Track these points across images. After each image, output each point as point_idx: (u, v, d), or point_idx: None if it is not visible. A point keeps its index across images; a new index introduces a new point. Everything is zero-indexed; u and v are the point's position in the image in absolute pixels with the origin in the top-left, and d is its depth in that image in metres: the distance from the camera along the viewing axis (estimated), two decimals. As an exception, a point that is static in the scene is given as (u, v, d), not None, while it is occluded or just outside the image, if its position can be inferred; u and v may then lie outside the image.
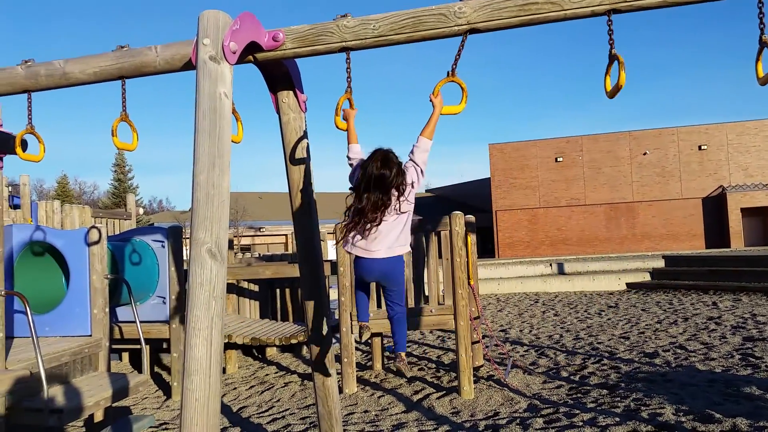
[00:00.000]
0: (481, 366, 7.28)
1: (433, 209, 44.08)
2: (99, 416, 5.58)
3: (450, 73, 2.89)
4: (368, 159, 3.11)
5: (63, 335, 5.61)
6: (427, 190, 62.41)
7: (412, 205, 3.24)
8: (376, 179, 3.05)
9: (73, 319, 5.50)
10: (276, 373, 7.82)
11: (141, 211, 17.30)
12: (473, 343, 6.49)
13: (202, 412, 2.40)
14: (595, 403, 5.53)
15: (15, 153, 4.43)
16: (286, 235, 40.56)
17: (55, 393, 4.73)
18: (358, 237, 3.19)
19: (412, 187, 3.18)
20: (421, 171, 3.17)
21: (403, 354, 3.68)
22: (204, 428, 2.39)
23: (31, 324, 4.43)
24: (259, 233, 41.68)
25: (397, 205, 3.13)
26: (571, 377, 6.61)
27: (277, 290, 9.47)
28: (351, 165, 3.27)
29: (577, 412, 5.29)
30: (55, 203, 9.78)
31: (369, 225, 3.12)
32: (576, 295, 15.89)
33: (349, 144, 3.25)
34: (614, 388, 6.00)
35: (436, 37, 2.86)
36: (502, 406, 5.68)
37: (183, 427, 2.39)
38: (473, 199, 42.47)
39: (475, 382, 6.26)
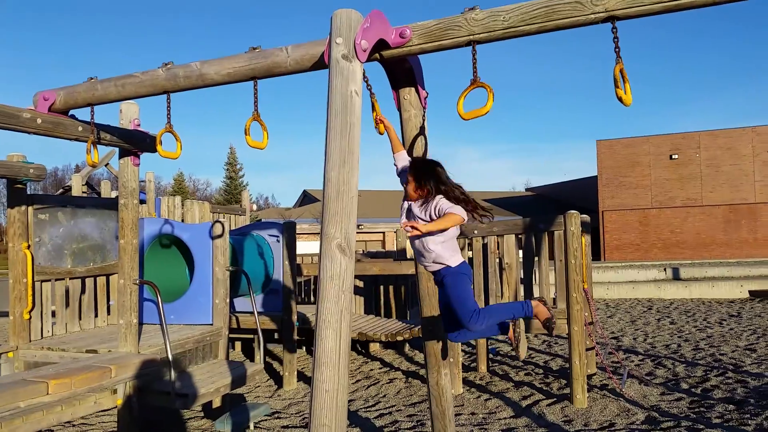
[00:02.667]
0: (594, 374, 6.98)
1: (532, 209, 42.93)
2: (217, 402, 5.88)
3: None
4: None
5: (186, 323, 5.96)
6: (527, 189, 60.89)
7: None
8: None
9: (196, 308, 5.82)
10: (380, 368, 7.90)
11: (254, 207, 18.07)
12: (587, 349, 6.22)
13: (331, 404, 2.44)
14: (721, 419, 5.15)
15: (151, 151, 4.75)
16: (383, 232, 41.02)
17: (181, 378, 5.02)
18: None
19: None
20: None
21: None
22: (333, 419, 2.43)
23: (162, 311, 4.73)
24: (357, 230, 42.23)
25: None
26: (692, 390, 6.19)
27: (381, 287, 9.57)
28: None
29: (702, 427, 4.94)
30: (176, 199, 10.41)
31: None
32: (693, 303, 14.89)
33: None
34: (742, 404, 5.55)
35: (570, 26, 2.75)
36: (617, 417, 5.42)
37: (313, 417, 2.44)
38: (577, 198, 40.91)
39: (588, 390, 6.01)
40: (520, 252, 6.41)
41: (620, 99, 2.65)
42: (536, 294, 6.26)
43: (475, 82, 2.86)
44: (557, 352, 8.47)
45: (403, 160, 3.46)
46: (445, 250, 3.37)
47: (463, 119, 2.82)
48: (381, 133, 3.49)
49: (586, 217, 6.44)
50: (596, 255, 34.96)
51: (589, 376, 6.78)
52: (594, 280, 18.06)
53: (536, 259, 6.39)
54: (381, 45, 2.99)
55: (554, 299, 6.34)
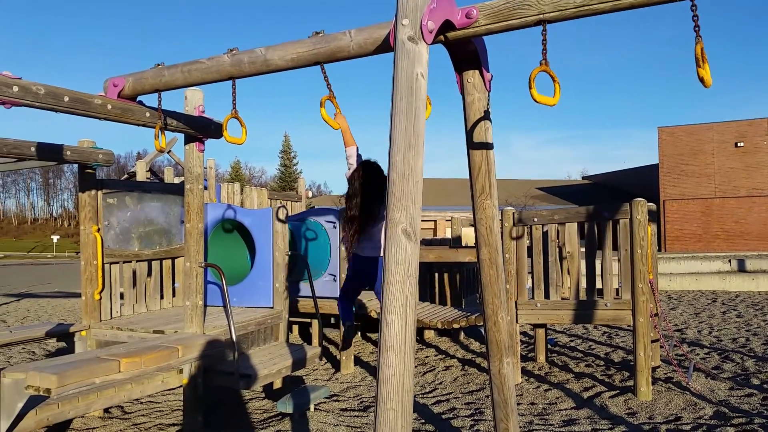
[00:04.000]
0: (658, 366, 6.76)
1: (589, 197, 41.88)
2: (277, 384, 6.00)
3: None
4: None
5: (248, 306, 6.09)
6: (583, 177, 59.40)
7: None
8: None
9: (257, 292, 5.94)
10: (435, 356, 7.89)
11: (310, 194, 18.32)
12: (652, 341, 6.03)
13: (397, 388, 2.44)
14: (798, 418, 4.90)
15: (216, 137, 4.85)
16: (434, 220, 40.90)
17: (243, 359, 5.14)
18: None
19: None
20: None
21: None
22: (399, 403, 2.43)
23: (226, 294, 4.84)
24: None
25: None
26: (765, 385, 5.91)
27: (436, 274, 9.52)
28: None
29: (778, 425, 4.72)
30: (236, 185, 10.64)
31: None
32: (761, 296, 14.23)
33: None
34: (821, 403, 5.27)
35: (647, 3, 2.62)
36: (684, 411, 5.23)
37: (379, 401, 2.44)
38: (636, 187, 39.66)
39: (652, 383, 5.82)
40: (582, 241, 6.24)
41: (702, 79, 2.51)
42: (598, 285, 6.09)
43: (543, 64, 2.77)
44: (618, 344, 8.25)
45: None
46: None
47: (536, 102, 2.74)
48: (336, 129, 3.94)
49: (653, 206, 6.22)
50: (656, 245, 33.80)
51: (653, 369, 6.57)
52: (655, 270, 17.48)
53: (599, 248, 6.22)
54: (446, 26, 2.93)
55: (617, 290, 6.16)
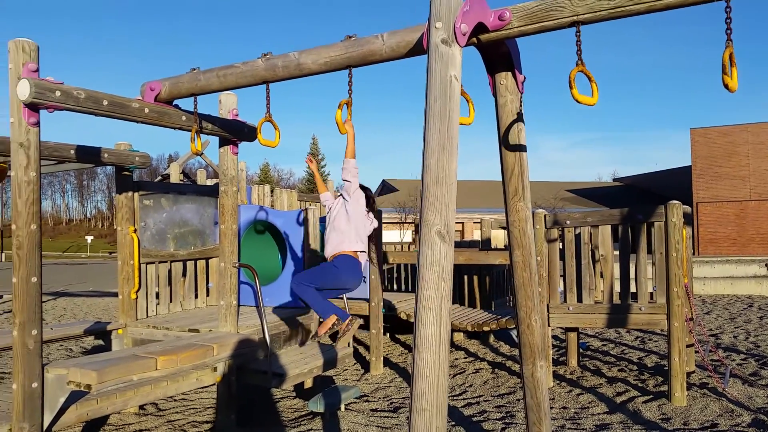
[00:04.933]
0: (693, 372, 6.64)
1: (619, 199, 41.24)
2: (308, 383, 6.05)
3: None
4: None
5: (279, 306, 6.16)
6: (614, 179, 58.53)
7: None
8: None
9: (288, 292, 6.00)
10: (465, 358, 7.86)
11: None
12: (687, 346, 5.93)
13: (432, 389, 2.45)
14: (842, 428, 4.76)
15: (249, 140, 4.92)
16: (462, 222, 40.71)
17: (275, 358, 5.20)
18: None
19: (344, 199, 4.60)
20: (346, 191, 4.53)
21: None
22: (434, 404, 2.44)
23: (259, 294, 4.91)
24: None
25: None
26: (806, 394, 5.76)
27: (465, 277, 9.49)
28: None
29: (820, 435, 4.60)
30: (266, 187, 10.75)
31: None
32: (800, 302, 13.85)
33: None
34: None
35: (683, 4, 2.59)
36: (720, 418, 5.13)
37: (414, 402, 2.45)
38: (668, 189, 38.96)
39: (686, 388, 5.72)
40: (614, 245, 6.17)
41: (726, 86, 2.47)
42: (632, 288, 6.01)
43: (579, 65, 2.75)
44: (651, 349, 8.12)
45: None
46: None
47: (577, 102, 2.73)
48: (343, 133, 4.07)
49: (687, 208, 6.12)
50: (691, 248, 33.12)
51: (688, 374, 6.45)
52: (689, 274, 17.12)
53: (633, 251, 6.13)
54: (479, 28, 2.94)
55: (651, 294, 6.07)
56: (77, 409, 3.85)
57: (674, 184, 38.26)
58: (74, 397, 3.82)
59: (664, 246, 5.61)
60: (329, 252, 4.60)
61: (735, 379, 6.29)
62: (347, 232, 4.54)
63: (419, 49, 3.28)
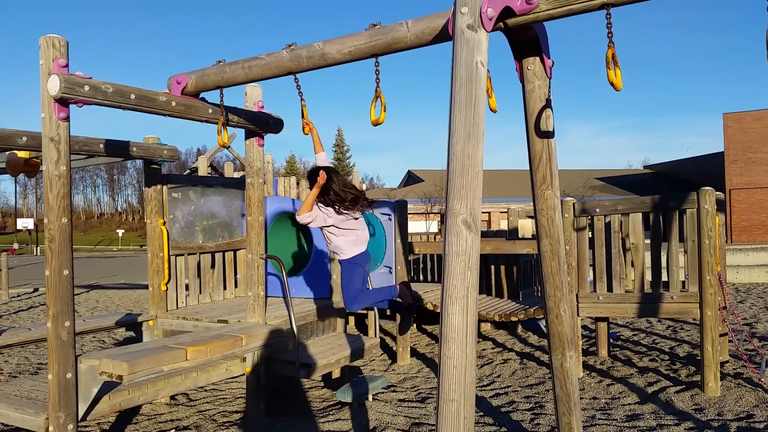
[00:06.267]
0: (726, 361, 6.50)
1: (650, 187, 40.51)
2: (336, 373, 6.07)
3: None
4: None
5: (306, 297, 6.18)
6: (645, 166, 57.49)
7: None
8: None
9: (315, 283, 6.02)
10: (493, 348, 7.82)
11: (364, 187, 18.43)
12: (720, 335, 5.80)
13: (459, 379, 2.42)
14: None
15: (275, 132, 4.92)
16: (489, 212, 40.43)
17: (303, 348, 5.23)
18: None
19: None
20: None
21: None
22: (461, 394, 2.42)
23: (286, 285, 4.93)
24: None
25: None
26: None
27: (492, 266, 9.43)
28: None
29: None
30: (292, 179, 10.79)
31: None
32: (839, 290, 13.47)
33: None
34: None
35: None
36: (756, 408, 5.01)
37: (441, 391, 2.44)
38: (700, 176, 38.13)
39: (720, 378, 5.60)
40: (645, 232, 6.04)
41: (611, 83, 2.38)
42: (664, 277, 5.89)
43: (611, 47, 2.69)
44: (683, 338, 7.98)
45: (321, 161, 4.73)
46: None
47: (611, 84, 2.67)
48: (306, 134, 4.29)
49: (720, 195, 5.96)
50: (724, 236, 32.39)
51: (722, 364, 6.32)
52: (722, 263, 16.75)
53: (665, 239, 6.01)
54: (506, 13, 2.88)
55: (683, 282, 5.95)
56: (110, 399, 3.92)
57: (707, 171, 37.44)
58: (107, 387, 3.89)
59: (697, 234, 5.48)
60: (341, 257, 4.75)
61: (771, 369, 6.14)
62: (338, 232, 4.67)
63: (445, 35, 3.23)
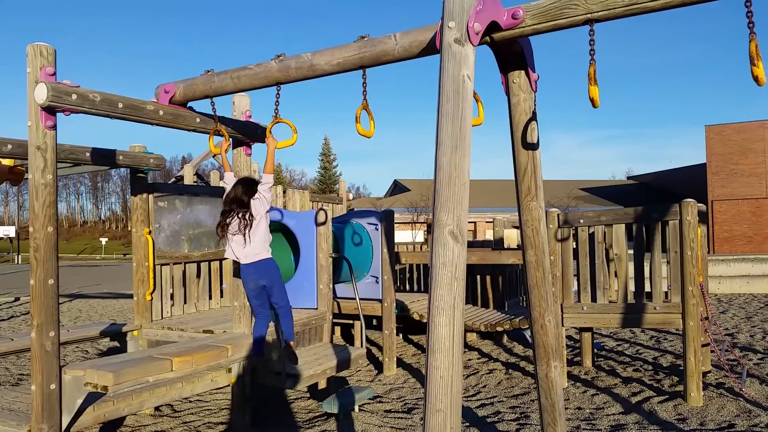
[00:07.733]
0: (709, 372, 6.57)
1: (634, 198, 40.94)
2: (322, 384, 6.06)
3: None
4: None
5: (292, 307, 6.16)
6: (628, 177, 58.10)
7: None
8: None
9: (301, 293, 6.01)
10: (478, 359, 7.84)
11: (350, 196, 18.46)
12: (702, 345, 5.87)
13: (446, 389, 2.44)
14: None
15: (262, 141, 4.93)
16: (474, 222, 40.59)
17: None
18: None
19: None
20: (265, 198, 4.60)
21: (291, 343, 4.91)
22: (448, 405, 2.43)
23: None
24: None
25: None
26: (825, 394, 5.69)
27: (478, 276, 9.47)
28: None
29: (840, 435, 4.53)
30: (278, 188, 10.79)
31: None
32: (818, 301, 13.67)
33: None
34: None
35: (699, 1, 2.57)
36: (737, 418, 5.08)
37: (428, 402, 2.45)
38: (683, 187, 38.63)
39: (702, 388, 5.67)
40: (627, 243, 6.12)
41: (756, 78, 2.45)
42: (647, 288, 5.96)
43: (592, 63, 2.74)
44: (666, 348, 8.06)
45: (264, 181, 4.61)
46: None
47: (591, 99, 2.71)
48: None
49: (702, 207, 6.06)
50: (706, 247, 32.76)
51: (704, 374, 6.39)
52: (704, 273, 16.93)
53: (647, 250, 6.09)
54: (492, 27, 2.93)
55: (666, 293, 6.03)
56: (94, 410, 3.88)
57: (689, 182, 37.93)
58: (91, 398, 3.85)
59: (679, 245, 5.56)
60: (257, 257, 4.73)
61: (752, 378, 6.22)
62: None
63: (432, 48, 3.28)
